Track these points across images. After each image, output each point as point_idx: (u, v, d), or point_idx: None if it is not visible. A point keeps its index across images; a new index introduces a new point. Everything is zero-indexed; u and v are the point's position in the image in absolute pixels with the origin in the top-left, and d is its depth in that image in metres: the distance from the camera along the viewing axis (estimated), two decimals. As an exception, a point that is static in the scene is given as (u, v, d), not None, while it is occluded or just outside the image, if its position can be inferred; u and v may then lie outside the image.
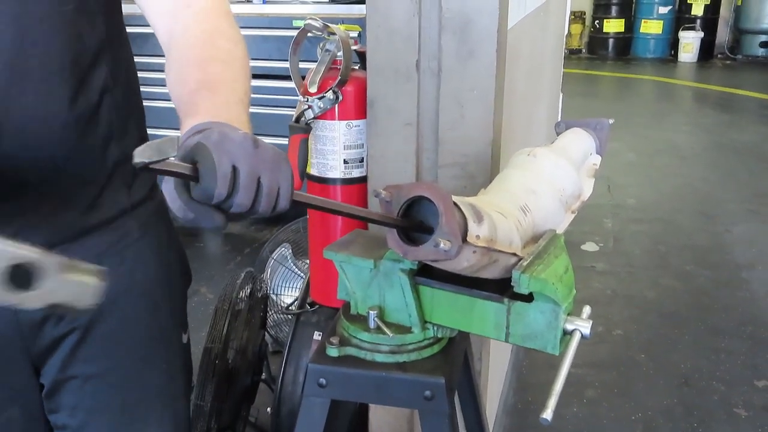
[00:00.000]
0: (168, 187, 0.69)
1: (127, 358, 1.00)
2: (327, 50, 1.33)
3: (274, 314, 2.24)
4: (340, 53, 1.32)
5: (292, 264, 2.27)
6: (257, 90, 3.42)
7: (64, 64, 0.85)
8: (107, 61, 0.92)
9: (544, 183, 1.04)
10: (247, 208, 0.69)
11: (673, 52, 9.65)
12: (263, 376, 2.04)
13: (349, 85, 1.33)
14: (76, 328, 0.94)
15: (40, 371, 0.97)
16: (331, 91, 1.31)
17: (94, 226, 0.93)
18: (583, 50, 10.10)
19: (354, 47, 1.35)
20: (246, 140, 0.69)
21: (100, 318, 0.96)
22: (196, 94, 0.82)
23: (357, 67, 1.40)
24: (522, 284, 0.87)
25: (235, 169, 0.67)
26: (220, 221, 0.68)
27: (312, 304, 1.61)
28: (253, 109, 3.16)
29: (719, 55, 9.70)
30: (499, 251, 0.85)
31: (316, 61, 1.35)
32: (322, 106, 1.31)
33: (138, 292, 1.00)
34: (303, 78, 1.38)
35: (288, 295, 2.24)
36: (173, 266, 1.08)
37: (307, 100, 1.32)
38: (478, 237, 0.80)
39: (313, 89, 1.31)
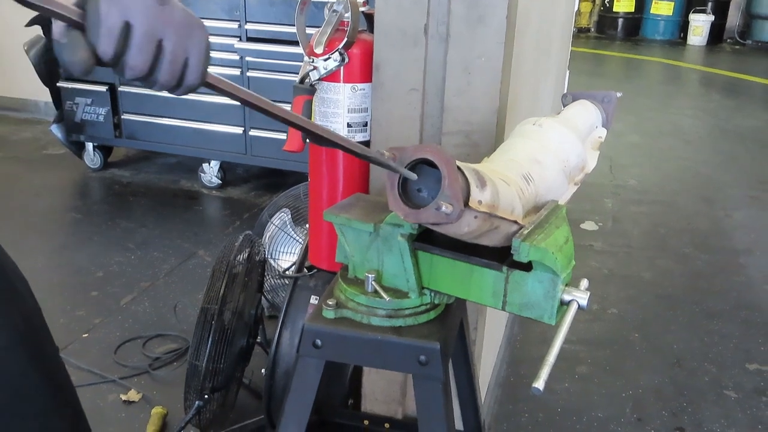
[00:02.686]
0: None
1: None
2: (334, 11, 1.31)
3: (271, 279, 2.24)
4: (347, 14, 1.30)
5: (290, 229, 2.26)
6: (261, 54, 3.40)
7: None
8: None
9: (549, 153, 1.03)
10: (142, 72, 0.59)
11: (682, 34, 9.56)
12: (259, 339, 2.05)
13: (356, 48, 1.31)
14: None
15: None
16: (337, 52, 1.29)
17: None
18: (592, 29, 10.00)
19: (362, 9, 1.33)
20: None
21: None
22: None
23: (364, 30, 1.37)
24: (522, 252, 0.86)
25: (128, 25, 0.58)
26: (83, 66, 0.57)
27: (310, 268, 1.61)
28: (256, 74, 3.16)
29: (729, 40, 9.60)
30: (501, 218, 0.85)
31: (321, 26, 1.33)
32: (327, 67, 1.29)
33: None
34: (309, 40, 1.36)
35: (286, 261, 2.24)
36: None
37: (313, 61, 1.30)
38: (480, 202, 0.80)
39: (319, 50, 1.29)
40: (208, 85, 0.65)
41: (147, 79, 0.61)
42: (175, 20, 0.60)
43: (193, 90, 0.63)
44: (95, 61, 0.58)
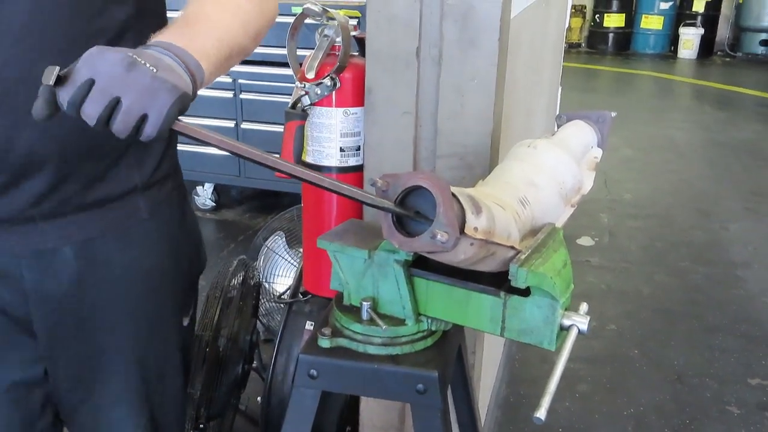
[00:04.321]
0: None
1: (124, 340, 1.05)
2: (326, 35, 1.30)
3: (266, 302, 2.22)
4: (338, 39, 1.29)
5: (285, 252, 2.25)
6: (254, 77, 3.40)
7: (81, 37, 0.87)
8: (133, 37, 0.92)
9: (545, 175, 1.02)
10: (92, 119, 0.71)
11: (672, 48, 9.62)
12: (254, 364, 2.02)
13: (347, 72, 1.30)
14: (78, 305, 0.99)
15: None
16: (328, 77, 1.28)
17: (101, 200, 0.96)
18: (583, 44, 10.07)
19: (353, 33, 1.32)
20: (120, 62, 0.71)
21: (99, 298, 1.00)
22: (175, 21, 0.87)
23: (356, 54, 1.37)
24: (519, 278, 0.85)
25: (91, 81, 0.70)
26: (39, 112, 0.71)
27: (304, 294, 1.59)
28: (249, 96, 3.15)
29: (719, 53, 9.68)
30: (497, 244, 0.83)
31: (313, 49, 1.32)
32: (319, 92, 1.29)
33: (142, 275, 1.03)
34: (300, 65, 1.36)
35: (281, 284, 2.22)
36: (182, 252, 1.11)
37: (304, 86, 1.29)
38: (476, 229, 0.78)
39: (310, 75, 1.29)
40: (175, 132, 0.75)
41: (104, 127, 0.72)
42: (137, 83, 0.71)
43: (152, 140, 0.74)
44: (53, 112, 0.71)
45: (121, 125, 0.72)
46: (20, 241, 0.93)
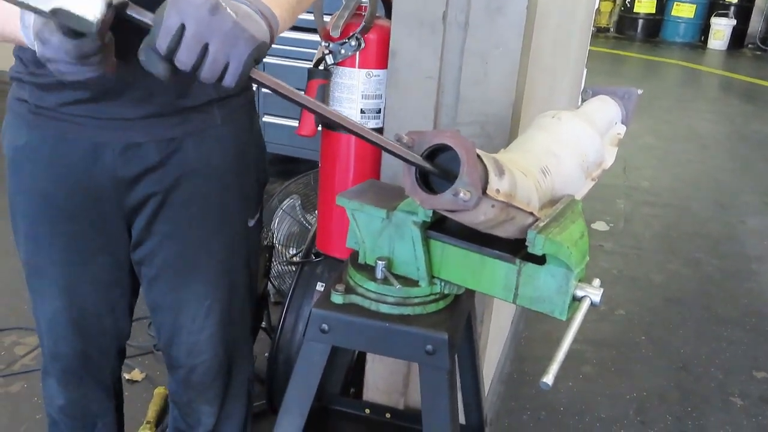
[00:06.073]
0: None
1: (196, 226, 1.18)
2: (353, -5, 1.29)
3: (278, 265, 2.24)
4: (366, -1, 1.28)
5: (300, 216, 2.25)
6: (278, 41, 3.37)
7: None
8: None
9: (567, 147, 1.01)
10: (187, 67, 0.73)
11: (703, 38, 9.45)
12: (263, 324, 2.04)
13: (372, 33, 1.29)
14: (159, 192, 1.13)
15: (130, 227, 1.17)
16: (353, 37, 1.27)
17: (184, 108, 1.09)
18: (612, 29, 9.91)
19: (381, -6, 1.31)
20: (204, 4, 0.72)
21: (178, 187, 1.13)
22: None
23: (381, 16, 1.36)
24: (537, 245, 0.85)
25: (183, 27, 0.72)
26: (161, 71, 0.74)
27: (317, 255, 1.60)
28: (272, 60, 3.11)
29: (750, 45, 9.49)
30: (517, 208, 0.83)
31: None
32: (343, 52, 1.28)
33: (212, 171, 1.15)
34: (325, 24, 1.35)
35: (294, 247, 2.23)
36: (249, 159, 1.22)
37: (328, 45, 1.29)
38: (497, 191, 0.78)
39: (335, 34, 1.28)
40: (251, 80, 0.78)
41: (192, 74, 0.75)
42: (222, 29, 0.72)
43: (230, 88, 0.77)
44: (171, 67, 0.74)
45: (208, 73, 0.74)
46: (116, 135, 1.07)
